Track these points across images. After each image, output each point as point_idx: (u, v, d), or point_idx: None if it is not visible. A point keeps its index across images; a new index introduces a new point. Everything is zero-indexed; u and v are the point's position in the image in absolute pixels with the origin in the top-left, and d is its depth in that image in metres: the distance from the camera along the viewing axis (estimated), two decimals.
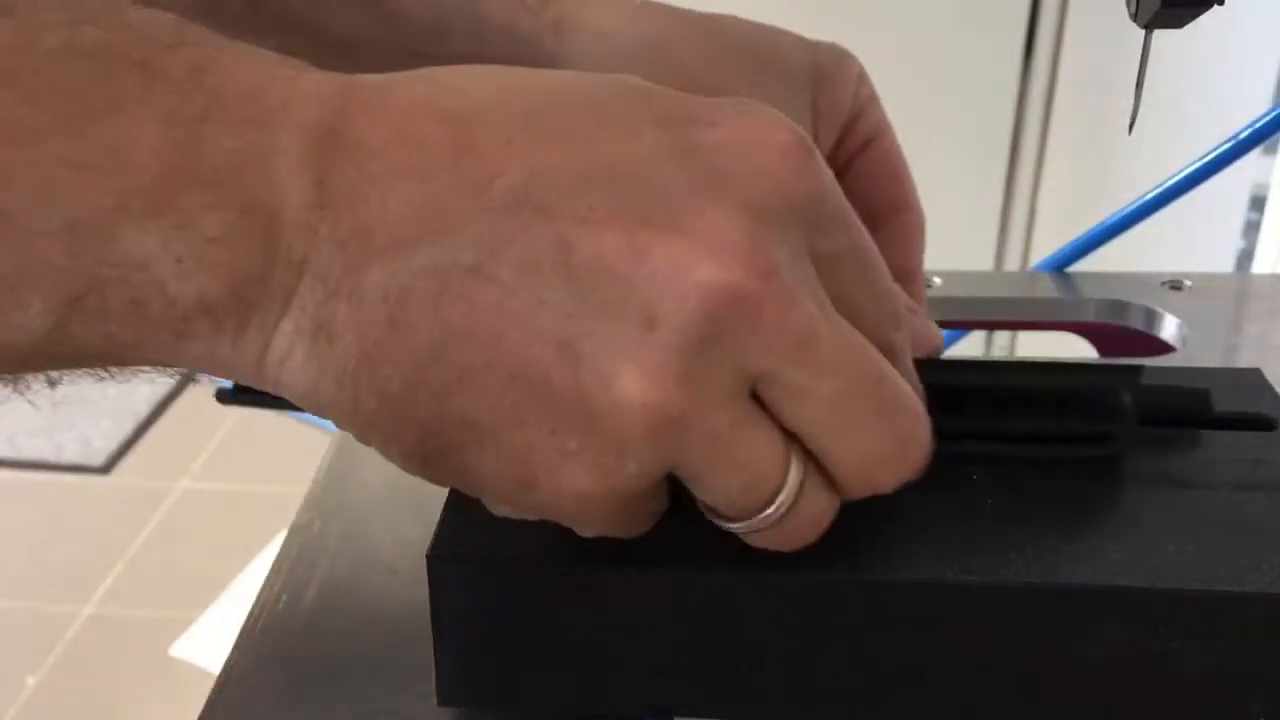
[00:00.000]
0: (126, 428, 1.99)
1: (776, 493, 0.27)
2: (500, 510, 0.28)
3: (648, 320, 0.24)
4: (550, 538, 0.30)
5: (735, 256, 0.24)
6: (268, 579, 0.40)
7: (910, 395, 0.27)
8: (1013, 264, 1.49)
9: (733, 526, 0.28)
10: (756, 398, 0.26)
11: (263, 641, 0.38)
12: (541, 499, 0.26)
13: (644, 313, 0.24)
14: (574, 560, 0.30)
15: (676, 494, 0.29)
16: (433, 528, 0.32)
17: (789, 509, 0.27)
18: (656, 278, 0.24)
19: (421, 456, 0.26)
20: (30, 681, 1.53)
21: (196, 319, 0.25)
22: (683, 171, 0.25)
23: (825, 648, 0.30)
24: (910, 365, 0.30)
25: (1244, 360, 0.53)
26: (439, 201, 0.25)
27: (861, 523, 0.31)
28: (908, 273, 0.42)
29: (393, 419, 0.26)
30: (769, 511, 0.27)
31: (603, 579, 0.30)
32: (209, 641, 1.56)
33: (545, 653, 0.31)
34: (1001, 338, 1.33)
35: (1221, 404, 0.36)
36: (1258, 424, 0.36)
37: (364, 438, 0.27)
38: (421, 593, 0.31)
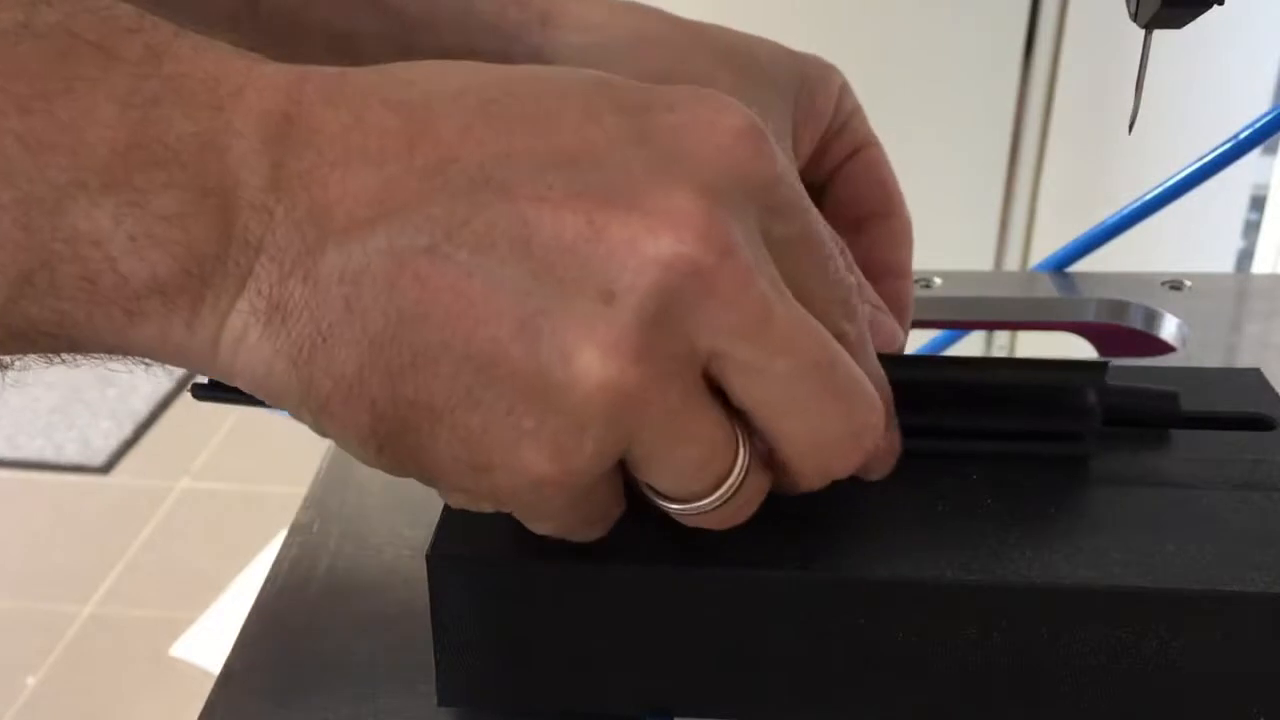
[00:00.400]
0: (126, 428, 1.99)
1: (728, 472, 0.27)
2: (456, 500, 0.28)
3: (605, 295, 0.25)
4: (550, 538, 0.30)
5: (692, 232, 0.25)
6: (268, 579, 0.40)
7: (864, 381, 0.28)
8: (1013, 264, 1.49)
9: (678, 508, 0.28)
10: (709, 380, 0.26)
11: (263, 641, 0.38)
12: (497, 483, 0.26)
13: (601, 288, 0.25)
14: (574, 560, 0.30)
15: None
16: (433, 528, 0.32)
17: (738, 489, 0.27)
18: (614, 254, 0.25)
19: (377, 442, 0.26)
20: (30, 681, 1.53)
21: (148, 298, 0.25)
22: (640, 154, 0.26)
23: (825, 647, 0.30)
24: (871, 354, 0.30)
25: (1244, 360, 0.53)
26: (395, 184, 0.25)
27: (861, 522, 0.31)
28: (897, 273, 0.42)
29: (347, 401, 0.26)
30: (721, 491, 0.27)
31: (602, 579, 0.30)
32: (209, 641, 1.56)
33: (545, 652, 0.31)
34: (1001, 338, 1.33)
35: (1221, 404, 0.36)
36: (1258, 424, 0.36)
37: (319, 425, 0.27)
38: (421, 593, 0.31)
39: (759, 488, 0.28)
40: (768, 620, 0.30)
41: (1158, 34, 0.41)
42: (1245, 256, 1.57)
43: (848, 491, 0.31)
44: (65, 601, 1.65)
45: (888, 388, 0.31)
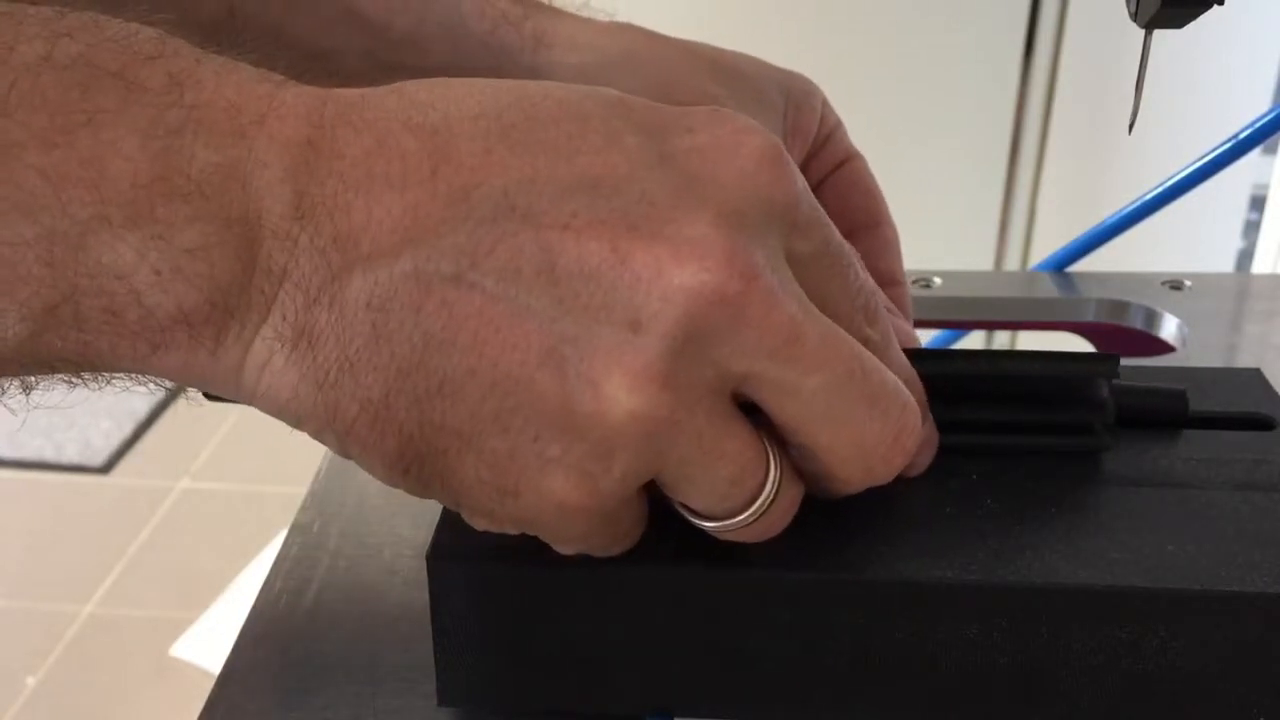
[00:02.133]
0: (126, 428, 1.99)
1: (761, 487, 0.27)
2: (479, 523, 0.28)
3: (632, 324, 0.25)
4: None
5: (716, 260, 0.25)
6: (268, 579, 0.40)
7: (896, 384, 0.28)
8: (1013, 264, 1.49)
9: (713, 525, 0.28)
10: (737, 396, 0.27)
11: (263, 641, 0.38)
12: (523, 507, 0.27)
13: (628, 316, 0.25)
14: (574, 561, 0.30)
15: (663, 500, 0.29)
16: (433, 528, 0.32)
17: (771, 503, 0.27)
18: (640, 282, 0.25)
19: (403, 465, 0.26)
20: (30, 681, 1.53)
21: (173, 329, 0.25)
22: (662, 179, 0.26)
23: (825, 648, 0.30)
24: (897, 353, 0.30)
25: (1244, 360, 0.53)
26: (419, 210, 0.25)
27: (861, 522, 0.31)
28: (892, 280, 0.43)
29: (373, 426, 0.26)
30: (754, 507, 0.27)
31: (603, 580, 0.30)
32: (209, 641, 1.56)
33: (545, 653, 0.31)
34: (1001, 338, 1.33)
35: (1221, 404, 0.36)
36: (1258, 424, 0.36)
37: (344, 448, 0.27)
38: (421, 593, 0.31)
39: (792, 500, 0.28)
40: (768, 620, 0.30)
41: (1158, 34, 0.41)
42: (1245, 256, 1.57)
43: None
44: (65, 601, 1.65)
45: (919, 382, 0.31)
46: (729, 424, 0.26)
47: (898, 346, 0.30)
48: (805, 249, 0.27)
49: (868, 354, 0.27)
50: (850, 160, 0.44)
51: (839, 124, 0.44)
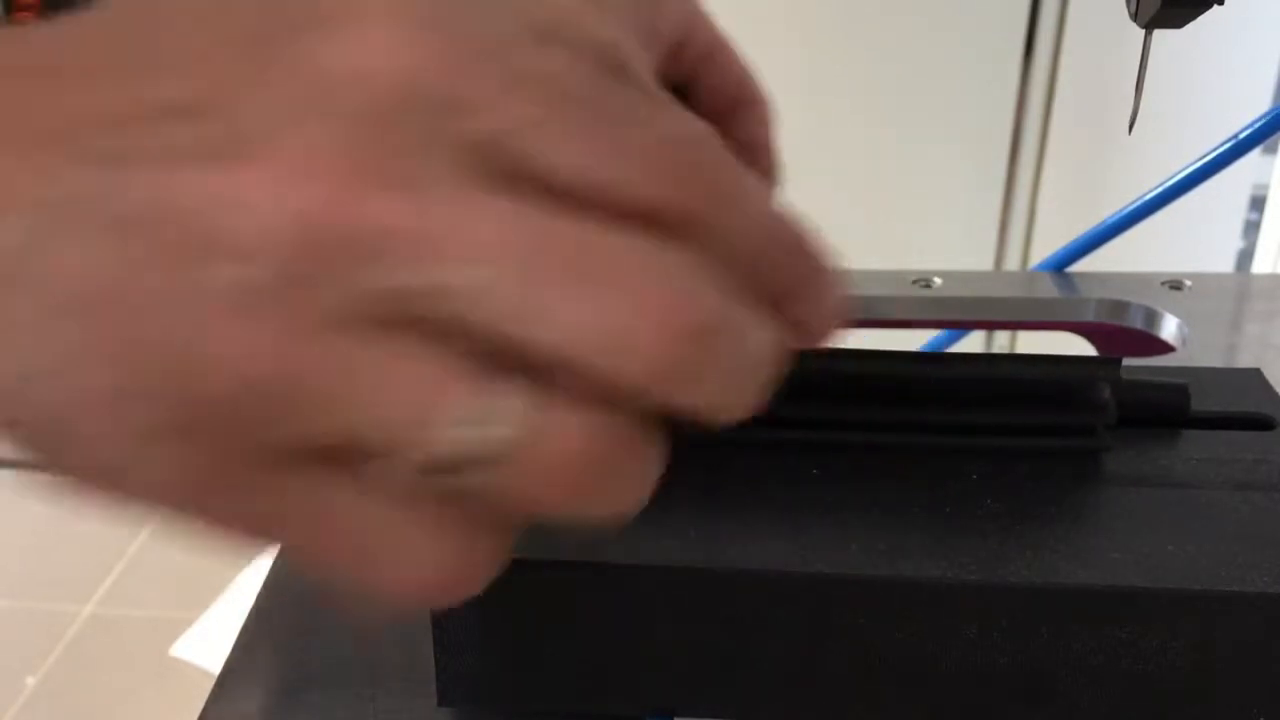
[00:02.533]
0: None
1: (462, 420, 0.21)
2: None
3: (213, 273, 0.21)
4: (550, 537, 0.30)
5: (322, 182, 0.21)
6: (267, 579, 0.40)
7: (648, 253, 0.21)
8: (1013, 264, 1.49)
9: (478, 482, 0.21)
10: (413, 323, 0.21)
11: (262, 641, 0.38)
12: (150, 491, 0.23)
13: (207, 257, 0.21)
14: (574, 560, 0.30)
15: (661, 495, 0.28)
16: None
17: (524, 441, 0.21)
18: (227, 209, 0.21)
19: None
20: (30, 681, 1.53)
21: None
22: (267, 96, 0.22)
23: (825, 648, 0.30)
24: (759, 204, 0.23)
25: (1244, 360, 0.53)
26: (8, 176, 0.21)
27: (861, 522, 0.31)
28: (762, 148, 0.40)
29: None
30: (499, 444, 0.21)
31: (603, 579, 0.30)
32: (209, 641, 1.56)
33: (545, 653, 0.31)
34: (1001, 338, 1.34)
35: (1221, 404, 0.36)
36: (1258, 424, 0.36)
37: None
38: None
39: (567, 437, 0.21)
40: (768, 620, 0.30)
41: (1158, 34, 0.41)
42: (1245, 256, 1.57)
43: (849, 490, 0.31)
44: (65, 601, 1.65)
45: (789, 226, 0.24)
46: (376, 357, 0.21)
47: (754, 195, 0.23)
48: (485, 127, 0.22)
49: (581, 226, 0.21)
50: (718, 49, 0.39)
51: (705, 15, 0.39)
